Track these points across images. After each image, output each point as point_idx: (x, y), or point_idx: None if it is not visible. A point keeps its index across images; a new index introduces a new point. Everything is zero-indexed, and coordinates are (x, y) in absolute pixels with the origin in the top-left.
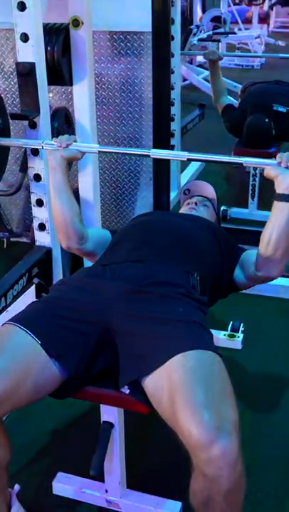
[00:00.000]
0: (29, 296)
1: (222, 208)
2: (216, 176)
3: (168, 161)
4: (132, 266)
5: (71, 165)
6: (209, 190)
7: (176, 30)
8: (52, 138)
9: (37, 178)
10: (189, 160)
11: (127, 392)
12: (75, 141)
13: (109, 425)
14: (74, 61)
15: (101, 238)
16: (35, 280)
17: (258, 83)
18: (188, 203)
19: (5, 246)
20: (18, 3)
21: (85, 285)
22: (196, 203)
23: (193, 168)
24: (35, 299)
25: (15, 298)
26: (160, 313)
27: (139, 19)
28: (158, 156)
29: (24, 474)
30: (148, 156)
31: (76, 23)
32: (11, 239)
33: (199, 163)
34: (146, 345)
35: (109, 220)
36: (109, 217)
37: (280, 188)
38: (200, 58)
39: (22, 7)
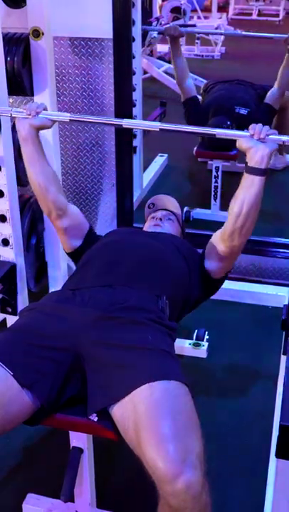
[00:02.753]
0: None
1: (185, 209)
2: (178, 175)
3: (131, 162)
4: (101, 291)
5: None
6: (173, 204)
7: (136, 31)
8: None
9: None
10: (162, 130)
11: (95, 419)
12: (45, 109)
13: (79, 451)
14: (35, 71)
15: (79, 222)
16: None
17: (219, 83)
18: (153, 217)
19: None
20: None
21: (54, 311)
22: (160, 219)
23: (156, 166)
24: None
25: None
26: (128, 340)
27: (101, 25)
28: (130, 126)
29: None
30: (121, 125)
31: (36, 33)
32: None
33: (161, 161)
34: (113, 374)
35: None
36: None
37: (251, 161)
38: (160, 49)
39: None
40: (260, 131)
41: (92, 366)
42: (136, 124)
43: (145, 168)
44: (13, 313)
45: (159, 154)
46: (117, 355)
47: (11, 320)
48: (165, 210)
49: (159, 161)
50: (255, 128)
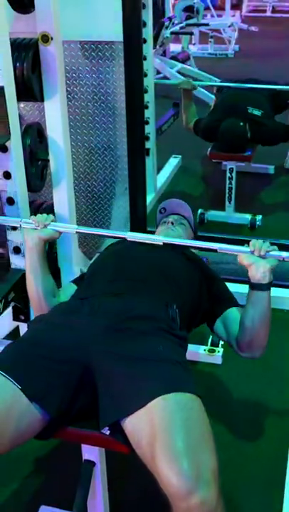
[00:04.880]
0: (6, 319)
1: (199, 211)
2: (192, 176)
3: (143, 165)
4: (110, 300)
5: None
6: (185, 208)
7: (148, 32)
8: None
9: (10, 201)
10: (165, 244)
11: (108, 433)
12: (53, 220)
13: (91, 464)
14: (44, 77)
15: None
16: (12, 304)
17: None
18: (165, 222)
19: None
20: None
21: (62, 322)
22: (172, 223)
23: (170, 167)
24: (12, 321)
25: None
26: (139, 351)
27: (111, 28)
28: (134, 239)
29: (7, 507)
30: (125, 238)
31: (45, 38)
32: None
33: (175, 163)
34: (125, 386)
35: None
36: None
37: (254, 278)
38: (173, 48)
39: None
40: (260, 247)
41: (103, 378)
42: (140, 237)
43: (159, 170)
44: (26, 321)
45: (173, 156)
46: (128, 367)
47: (24, 328)
48: (177, 214)
49: (173, 162)
50: (256, 245)
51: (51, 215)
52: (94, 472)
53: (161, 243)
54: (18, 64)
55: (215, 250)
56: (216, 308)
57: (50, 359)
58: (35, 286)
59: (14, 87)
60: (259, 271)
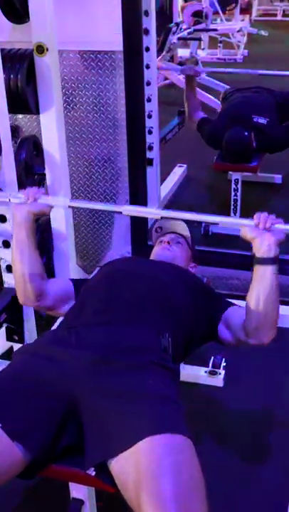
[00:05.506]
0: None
1: (203, 223)
2: (197, 185)
3: (144, 178)
4: (98, 329)
5: None
6: (182, 226)
7: (151, 40)
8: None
9: (2, 219)
10: (163, 218)
11: (93, 474)
12: (44, 194)
13: (79, 502)
14: (40, 89)
15: (62, 292)
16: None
17: (237, 91)
18: (161, 241)
19: None
20: None
21: (48, 354)
22: (168, 242)
23: (174, 176)
24: (5, 343)
25: None
26: (127, 386)
27: (111, 38)
28: (130, 214)
29: None
30: (120, 212)
31: (40, 49)
32: None
33: (180, 172)
34: (111, 424)
35: (86, 243)
36: (85, 241)
37: (259, 252)
38: (181, 53)
39: None
40: (266, 220)
41: (88, 415)
42: (136, 211)
43: (163, 179)
44: (20, 341)
45: (178, 164)
46: (115, 404)
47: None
48: (173, 233)
49: (178, 171)
50: (260, 217)
51: (42, 188)
52: (82, 511)
53: (160, 217)
54: (12, 76)
55: (217, 224)
56: (215, 318)
57: (33, 394)
58: (20, 263)
59: (5, 101)
60: (264, 244)
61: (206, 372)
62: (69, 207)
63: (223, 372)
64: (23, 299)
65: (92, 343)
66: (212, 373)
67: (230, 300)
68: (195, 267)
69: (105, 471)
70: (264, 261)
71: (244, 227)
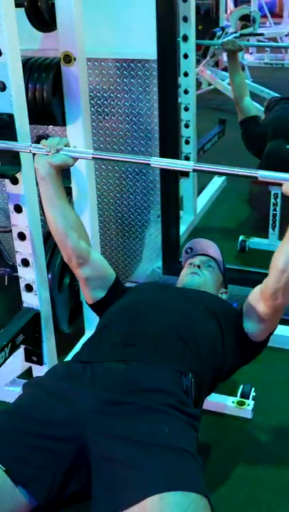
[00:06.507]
0: (19, 358)
1: (240, 238)
2: (236, 198)
3: (177, 191)
4: (115, 367)
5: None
6: (214, 249)
7: (190, 47)
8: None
9: (21, 236)
10: (195, 171)
11: None
12: (66, 145)
13: None
14: (67, 100)
15: (104, 272)
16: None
17: (282, 100)
18: (191, 264)
19: (6, 283)
20: None
21: (59, 392)
22: (198, 266)
23: (213, 187)
24: (24, 363)
25: None
26: (140, 433)
27: (145, 46)
28: (158, 165)
29: None
30: (148, 164)
31: (68, 59)
32: (13, 274)
33: (219, 183)
34: (120, 475)
35: (116, 257)
36: (115, 255)
37: None
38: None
39: None
40: None
41: (98, 461)
42: (165, 163)
43: (201, 190)
44: (39, 362)
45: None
46: (126, 453)
47: (37, 369)
48: (204, 255)
49: (217, 182)
50: None
51: (65, 138)
52: None
53: (191, 169)
54: (37, 86)
55: (256, 177)
56: (242, 334)
57: (41, 436)
58: (53, 219)
59: (26, 113)
60: None
61: (233, 402)
62: (92, 158)
63: (252, 402)
64: (66, 258)
65: (107, 383)
66: (240, 404)
67: None
68: (226, 293)
69: None
70: None
71: (286, 182)
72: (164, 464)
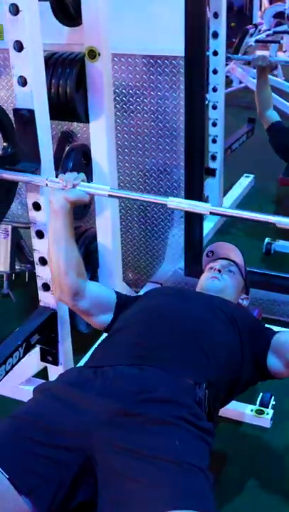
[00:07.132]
0: (35, 357)
1: (266, 240)
2: (263, 198)
3: (201, 190)
4: (127, 372)
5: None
6: (236, 253)
7: (219, 44)
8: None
9: (39, 234)
10: (212, 214)
11: None
12: (83, 180)
13: None
14: (90, 96)
15: (102, 299)
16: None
17: None
18: (211, 268)
19: (26, 279)
20: (15, 41)
21: (68, 398)
22: (219, 270)
23: (239, 188)
24: (40, 362)
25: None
26: (150, 447)
27: (174, 42)
28: (175, 207)
29: None
30: (165, 204)
31: (92, 54)
32: (34, 270)
33: (246, 183)
34: (127, 490)
35: (138, 257)
36: (137, 254)
37: None
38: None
39: (19, 47)
40: None
41: (105, 473)
42: (182, 204)
43: (228, 190)
44: (54, 362)
45: (245, 175)
46: (134, 467)
47: (53, 369)
48: (226, 259)
49: (244, 182)
50: None
51: (82, 174)
52: None
53: (208, 213)
54: (61, 81)
55: (274, 224)
56: (261, 355)
57: (47, 445)
58: (56, 255)
59: (47, 109)
60: None
61: (252, 410)
62: (109, 196)
63: (271, 411)
64: (59, 294)
65: (117, 391)
66: (259, 412)
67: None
68: (247, 299)
69: None
70: None
71: None
72: (174, 481)
